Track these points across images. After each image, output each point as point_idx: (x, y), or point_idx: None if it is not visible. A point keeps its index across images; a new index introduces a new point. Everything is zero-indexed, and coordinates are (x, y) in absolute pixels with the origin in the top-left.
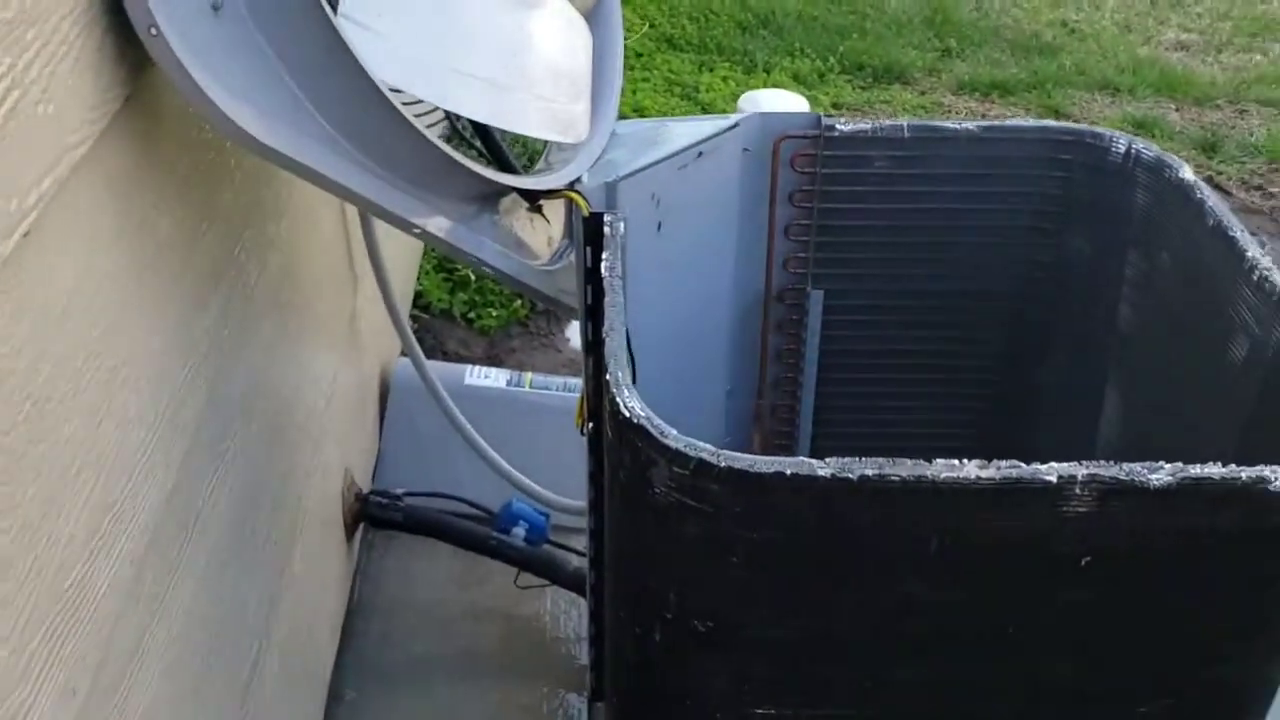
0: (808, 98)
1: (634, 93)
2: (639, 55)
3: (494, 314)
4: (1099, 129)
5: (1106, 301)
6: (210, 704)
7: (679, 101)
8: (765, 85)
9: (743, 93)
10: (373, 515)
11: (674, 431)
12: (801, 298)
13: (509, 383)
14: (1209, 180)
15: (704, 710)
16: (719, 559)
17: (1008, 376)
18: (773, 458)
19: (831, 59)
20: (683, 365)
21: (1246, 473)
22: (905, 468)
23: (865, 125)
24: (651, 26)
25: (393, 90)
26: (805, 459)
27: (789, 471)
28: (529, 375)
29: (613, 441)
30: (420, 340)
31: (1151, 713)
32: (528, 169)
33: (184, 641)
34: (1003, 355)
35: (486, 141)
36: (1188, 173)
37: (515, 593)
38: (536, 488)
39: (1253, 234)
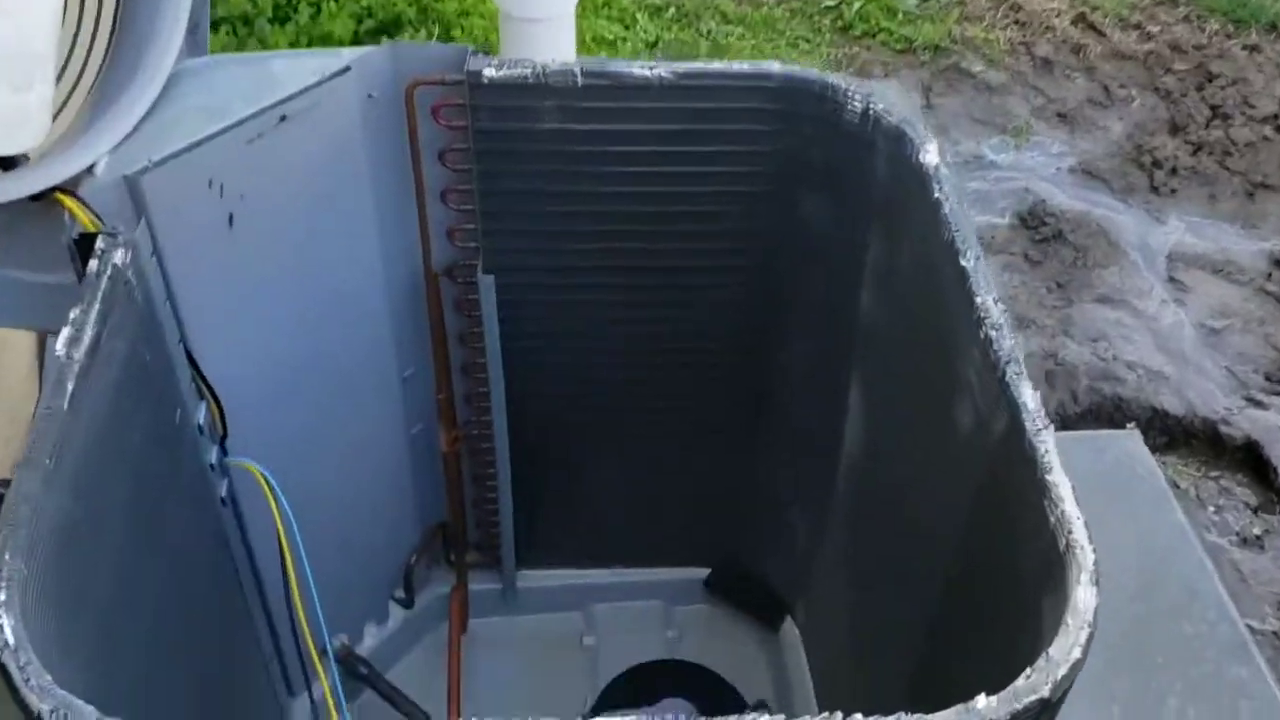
0: None
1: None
2: None
3: None
4: (832, 78)
5: (848, 282)
6: None
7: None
8: None
9: None
10: None
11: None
12: (474, 274)
13: None
14: (1081, 19)
15: None
16: None
17: (746, 359)
18: None
19: None
20: (335, 351)
21: None
22: None
23: (525, 70)
24: None
25: None
26: None
27: None
28: None
29: None
30: None
31: None
32: None
33: None
34: (738, 336)
35: None
36: (930, 155)
37: None
38: None
39: (1121, 87)
